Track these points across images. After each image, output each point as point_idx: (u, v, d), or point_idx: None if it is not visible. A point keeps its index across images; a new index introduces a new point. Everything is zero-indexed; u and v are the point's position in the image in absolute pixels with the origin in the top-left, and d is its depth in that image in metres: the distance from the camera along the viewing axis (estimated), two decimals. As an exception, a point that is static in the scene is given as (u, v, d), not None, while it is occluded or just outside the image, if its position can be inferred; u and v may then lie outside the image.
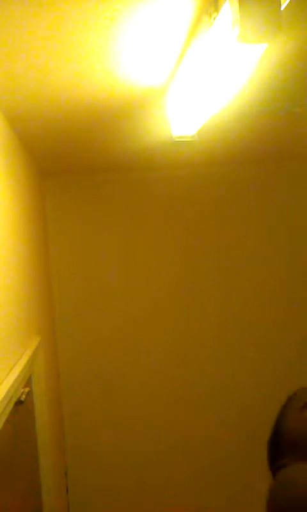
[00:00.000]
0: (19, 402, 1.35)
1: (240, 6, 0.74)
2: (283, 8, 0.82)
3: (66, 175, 2.76)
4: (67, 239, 2.77)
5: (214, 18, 0.91)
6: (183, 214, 2.84)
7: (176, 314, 2.83)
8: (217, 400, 2.84)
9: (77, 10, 0.92)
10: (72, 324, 2.77)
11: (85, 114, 1.59)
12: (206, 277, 2.85)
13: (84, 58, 1.14)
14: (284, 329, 2.88)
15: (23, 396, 1.38)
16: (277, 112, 1.74)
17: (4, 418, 1.10)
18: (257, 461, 2.85)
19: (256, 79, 1.29)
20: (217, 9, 0.91)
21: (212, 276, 2.85)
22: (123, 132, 1.88)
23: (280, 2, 0.75)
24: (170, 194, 2.83)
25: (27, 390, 1.44)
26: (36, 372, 1.75)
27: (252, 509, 2.85)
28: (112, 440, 2.79)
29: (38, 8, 0.90)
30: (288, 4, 0.83)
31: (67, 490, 2.76)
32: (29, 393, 1.64)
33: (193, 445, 2.83)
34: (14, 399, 1.26)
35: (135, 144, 2.10)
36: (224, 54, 0.91)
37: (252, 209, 2.88)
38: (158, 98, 1.48)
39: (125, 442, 2.80)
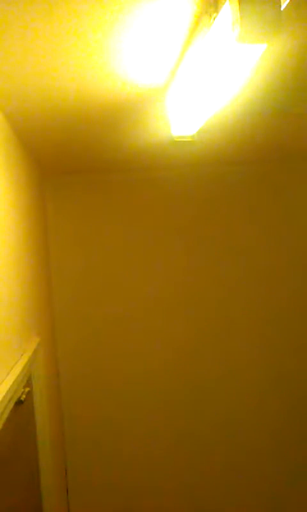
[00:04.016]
0: (19, 402, 1.35)
1: (240, 6, 0.74)
2: (283, 8, 0.82)
3: (66, 175, 2.76)
4: (67, 239, 2.77)
5: (214, 18, 0.91)
6: (183, 214, 2.84)
7: (176, 313, 2.83)
8: (219, 399, 2.84)
9: (78, 10, 0.92)
10: (72, 324, 2.77)
11: (85, 114, 1.60)
12: (206, 277, 2.85)
13: (85, 58, 1.14)
14: (285, 326, 2.88)
15: (23, 396, 1.38)
16: (277, 112, 1.74)
17: (4, 418, 1.10)
18: (259, 463, 2.85)
19: (256, 79, 1.29)
20: (217, 9, 0.91)
21: (211, 275, 2.85)
22: (123, 132, 1.88)
23: (280, 2, 0.75)
24: (170, 194, 2.83)
25: (27, 390, 1.44)
26: (36, 372, 1.75)
27: None
28: (112, 440, 2.79)
29: (38, 8, 0.90)
30: (288, 4, 0.83)
31: (67, 490, 2.76)
32: (29, 393, 1.64)
33: (195, 445, 2.83)
34: (14, 399, 1.26)
35: (135, 144, 2.10)
36: (224, 54, 0.91)
37: (252, 209, 2.88)
38: (158, 98, 1.48)
39: (125, 442, 2.80)
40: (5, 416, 1.12)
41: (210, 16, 0.93)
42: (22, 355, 1.49)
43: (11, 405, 1.22)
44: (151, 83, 1.34)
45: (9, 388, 1.16)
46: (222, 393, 2.85)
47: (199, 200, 2.85)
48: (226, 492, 2.84)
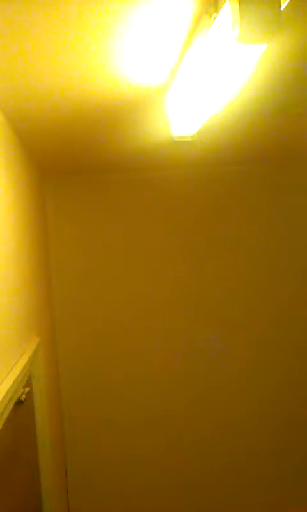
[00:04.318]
0: (19, 402, 1.35)
1: (240, 6, 0.74)
2: (283, 8, 0.82)
3: (66, 175, 2.76)
4: (67, 239, 2.77)
5: (214, 18, 0.91)
6: (183, 214, 2.84)
7: (176, 314, 2.83)
8: (219, 399, 2.84)
9: (78, 10, 0.92)
10: (72, 324, 2.77)
11: (85, 114, 1.60)
12: (206, 277, 2.84)
13: (85, 58, 1.14)
14: (285, 327, 2.88)
15: (23, 396, 1.38)
16: (276, 113, 1.74)
17: (4, 418, 1.10)
18: (259, 464, 2.85)
19: (256, 79, 1.29)
20: (217, 9, 0.91)
21: (212, 275, 2.85)
22: (123, 132, 1.88)
23: (280, 2, 0.75)
24: (170, 194, 2.83)
25: (27, 390, 1.44)
26: (36, 372, 1.75)
27: None
28: (112, 440, 2.79)
29: (38, 9, 0.90)
30: (288, 4, 0.83)
31: (67, 491, 2.76)
32: (29, 393, 1.64)
33: (195, 445, 2.83)
34: (14, 399, 1.26)
35: (135, 144, 2.10)
36: (224, 54, 0.91)
37: (252, 208, 2.88)
38: (158, 98, 1.48)
39: (125, 442, 2.80)
40: (5, 416, 1.12)
41: (210, 16, 0.93)
42: (22, 355, 1.49)
43: (11, 405, 1.22)
44: (151, 83, 1.34)
45: (9, 388, 1.16)
46: (222, 393, 2.85)
47: (199, 200, 2.85)
48: (226, 492, 2.84)
